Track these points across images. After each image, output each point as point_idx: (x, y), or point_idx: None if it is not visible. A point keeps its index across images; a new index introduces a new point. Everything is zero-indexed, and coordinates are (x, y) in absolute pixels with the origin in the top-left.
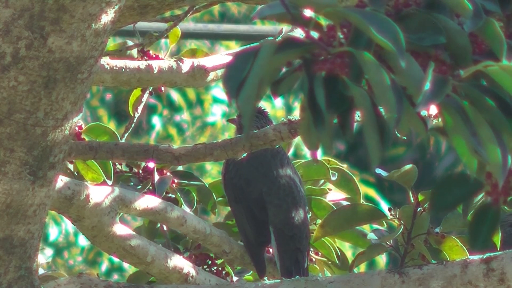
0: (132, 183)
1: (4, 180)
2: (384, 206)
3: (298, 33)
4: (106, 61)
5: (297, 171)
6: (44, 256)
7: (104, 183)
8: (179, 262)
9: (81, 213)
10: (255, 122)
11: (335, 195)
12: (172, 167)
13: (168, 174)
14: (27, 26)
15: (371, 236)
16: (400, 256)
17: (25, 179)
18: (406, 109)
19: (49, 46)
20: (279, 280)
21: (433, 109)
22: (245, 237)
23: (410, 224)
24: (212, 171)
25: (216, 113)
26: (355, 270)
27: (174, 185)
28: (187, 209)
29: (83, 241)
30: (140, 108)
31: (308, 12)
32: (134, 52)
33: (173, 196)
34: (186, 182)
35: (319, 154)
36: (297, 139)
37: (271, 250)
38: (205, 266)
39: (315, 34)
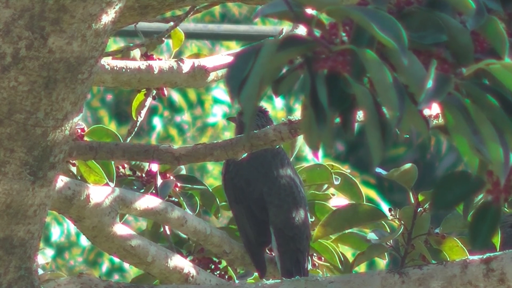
0: (135, 187)
1: (4, 180)
2: (385, 207)
3: (300, 32)
4: (106, 61)
5: (300, 175)
6: (45, 257)
7: (106, 185)
8: (180, 262)
9: (81, 213)
10: (255, 121)
11: (338, 201)
12: (176, 170)
13: (171, 177)
14: (28, 26)
15: (371, 236)
16: (401, 257)
17: (25, 179)
18: (408, 107)
19: (49, 46)
20: (279, 280)
21: (434, 109)
22: (245, 238)
23: (411, 225)
24: (214, 171)
25: (217, 114)
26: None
27: (177, 189)
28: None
29: (85, 241)
30: (143, 113)
31: (310, 10)
32: (137, 55)
33: (176, 200)
34: (189, 186)
35: (320, 154)
36: (301, 142)
37: (273, 252)
38: (208, 270)
39: (317, 32)
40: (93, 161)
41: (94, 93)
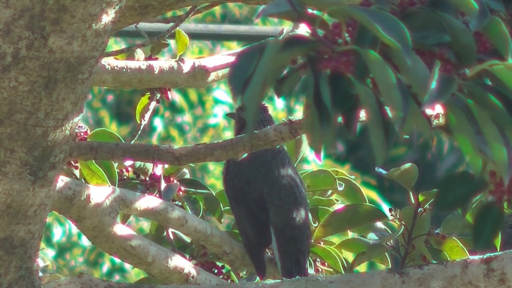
0: (139, 190)
1: (4, 180)
2: (386, 208)
3: (300, 32)
4: (107, 61)
5: (304, 181)
6: (47, 257)
7: None
8: (180, 262)
9: (81, 214)
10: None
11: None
12: (179, 174)
13: (175, 181)
14: (28, 26)
15: (372, 236)
16: (401, 257)
17: (25, 179)
18: (411, 107)
19: (49, 46)
20: (280, 280)
21: (435, 109)
22: (245, 238)
23: (411, 225)
24: (215, 172)
25: (218, 114)
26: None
27: (181, 193)
28: None
29: (86, 242)
30: (147, 116)
31: (313, 11)
32: (141, 57)
33: (180, 204)
34: (193, 190)
35: (322, 155)
36: (305, 147)
37: (273, 253)
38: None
39: (320, 32)
40: (95, 164)
41: (95, 94)
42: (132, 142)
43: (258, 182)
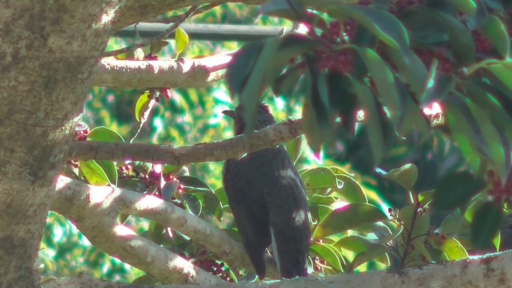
0: (138, 188)
1: (4, 180)
2: (385, 208)
3: (302, 31)
4: (106, 61)
5: (304, 179)
6: (47, 258)
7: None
8: (179, 262)
9: (81, 214)
10: (256, 118)
11: (341, 204)
12: (179, 172)
13: (175, 179)
14: (28, 26)
15: (371, 236)
16: (400, 257)
17: (25, 179)
18: (409, 106)
19: (49, 46)
20: (279, 280)
21: (434, 108)
22: (245, 238)
23: (410, 225)
24: (216, 171)
25: (218, 114)
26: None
27: (180, 191)
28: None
29: (86, 242)
30: (146, 114)
31: (311, 9)
32: (141, 56)
33: (179, 202)
34: (193, 188)
35: (321, 154)
36: (304, 146)
37: (273, 253)
38: (209, 273)
39: (318, 31)
40: (95, 162)
41: (95, 94)
42: (131, 141)
43: (258, 182)
